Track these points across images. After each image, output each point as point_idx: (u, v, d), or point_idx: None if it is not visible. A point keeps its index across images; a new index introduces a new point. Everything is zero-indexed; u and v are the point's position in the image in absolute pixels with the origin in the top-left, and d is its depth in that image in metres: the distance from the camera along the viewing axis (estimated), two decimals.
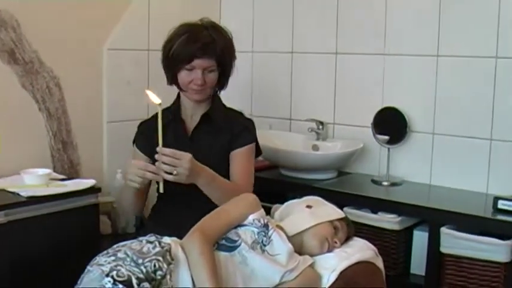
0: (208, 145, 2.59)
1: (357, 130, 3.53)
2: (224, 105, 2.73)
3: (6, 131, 2.90)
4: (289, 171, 3.44)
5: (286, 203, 2.52)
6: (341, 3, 3.55)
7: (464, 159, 3.18)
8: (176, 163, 2.30)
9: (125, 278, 1.87)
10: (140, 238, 2.10)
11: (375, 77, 3.44)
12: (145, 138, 2.65)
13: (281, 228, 2.28)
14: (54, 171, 3.07)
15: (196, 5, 3.67)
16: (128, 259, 1.94)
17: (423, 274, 2.97)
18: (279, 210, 2.50)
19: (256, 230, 2.19)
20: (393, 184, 3.29)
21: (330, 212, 2.44)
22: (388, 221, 3.00)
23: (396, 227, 3.00)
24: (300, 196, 2.59)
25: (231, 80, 2.68)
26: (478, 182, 3.14)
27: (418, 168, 3.34)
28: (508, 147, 3.04)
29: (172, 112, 2.65)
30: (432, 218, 2.91)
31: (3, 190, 2.68)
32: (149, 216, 2.72)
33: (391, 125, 3.34)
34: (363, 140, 3.45)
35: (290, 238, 2.26)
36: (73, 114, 3.19)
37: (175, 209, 2.50)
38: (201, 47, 2.49)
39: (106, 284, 1.86)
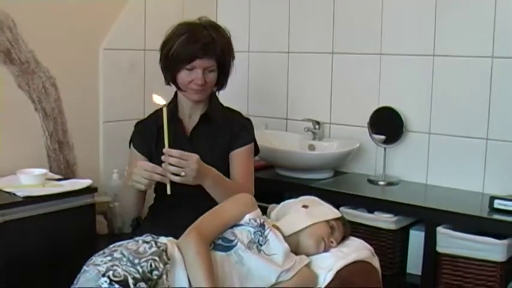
0: (208, 145, 2.58)
1: (353, 130, 3.53)
2: (221, 104, 2.72)
3: (3, 131, 2.90)
4: (286, 171, 3.44)
5: (282, 203, 2.52)
6: (337, 3, 3.55)
7: (461, 159, 3.18)
8: (183, 164, 2.29)
9: (121, 278, 1.87)
10: (136, 238, 2.10)
11: (371, 76, 3.45)
12: (142, 138, 2.65)
13: (277, 228, 2.28)
14: (51, 171, 3.07)
15: (192, 5, 3.67)
16: (124, 259, 1.94)
17: (419, 274, 2.97)
18: (275, 210, 2.50)
19: (252, 230, 2.19)
20: (389, 184, 3.30)
21: (326, 211, 2.44)
22: (385, 220, 3.01)
23: (392, 227, 3.00)
24: (297, 196, 2.59)
25: (228, 80, 2.68)
26: (474, 181, 3.15)
27: (414, 167, 3.35)
28: (504, 146, 3.05)
29: (170, 112, 2.63)
30: (428, 218, 2.91)
31: None
32: (146, 216, 2.71)
33: (388, 124, 3.35)
34: (359, 139, 3.46)
35: (286, 238, 2.26)
36: (69, 114, 3.18)
37: (173, 209, 2.49)
38: (201, 47, 2.48)
39: (102, 284, 1.86)
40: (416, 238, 3.03)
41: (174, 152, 2.30)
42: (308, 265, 2.27)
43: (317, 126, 3.59)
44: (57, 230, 2.69)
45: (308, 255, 2.31)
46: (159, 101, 2.34)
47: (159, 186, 2.40)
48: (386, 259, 2.98)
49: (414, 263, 3.02)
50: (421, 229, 3.00)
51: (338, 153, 3.42)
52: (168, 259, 2.01)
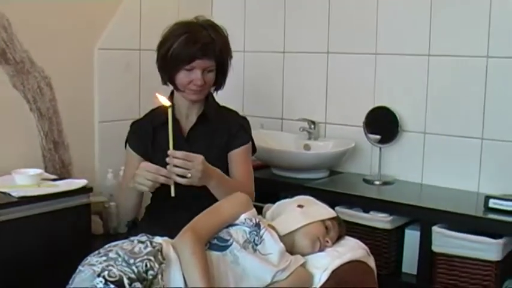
0: (205, 145, 2.56)
1: (349, 129, 3.53)
2: (218, 104, 2.71)
3: None
4: (281, 171, 3.44)
5: (277, 203, 2.52)
6: (332, 3, 3.55)
7: (456, 159, 3.19)
8: (188, 165, 2.29)
9: (117, 278, 1.87)
10: (132, 238, 2.10)
11: (366, 76, 3.45)
12: (137, 138, 2.64)
13: (273, 228, 2.28)
14: (46, 171, 3.06)
15: (187, 5, 3.67)
16: (120, 259, 1.94)
17: (415, 273, 2.98)
18: (271, 209, 2.49)
19: (247, 230, 2.19)
20: (385, 183, 3.30)
21: (322, 211, 2.44)
22: (380, 220, 3.01)
23: (388, 226, 3.01)
24: (292, 195, 2.59)
25: (226, 80, 2.68)
26: (469, 181, 3.15)
27: (409, 167, 3.35)
28: (499, 146, 3.06)
29: (166, 112, 2.61)
30: (424, 217, 2.92)
31: None
32: (143, 216, 2.70)
33: (383, 124, 3.35)
34: (354, 139, 3.46)
35: (282, 237, 2.26)
36: (64, 114, 3.18)
37: (171, 210, 2.48)
38: (201, 48, 2.47)
39: (97, 284, 1.86)
40: (411, 237, 3.03)
41: (179, 153, 2.29)
42: (303, 265, 2.27)
43: (312, 126, 3.60)
44: (52, 230, 2.68)
45: (303, 254, 2.30)
46: (164, 101, 2.32)
47: (160, 188, 2.37)
48: (381, 259, 2.98)
49: (410, 263, 3.03)
50: (416, 228, 3.01)
51: (333, 152, 3.43)
52: (163, 259, 2.01)
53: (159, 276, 1.96)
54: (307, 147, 3.56)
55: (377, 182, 3.31)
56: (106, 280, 1.86)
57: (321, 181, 3.36)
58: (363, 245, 2.51)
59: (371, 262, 2.48)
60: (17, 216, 2.55)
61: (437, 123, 3.24)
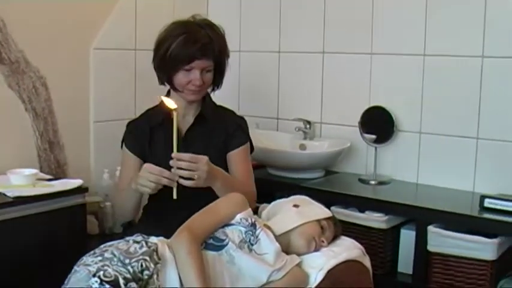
0: (202, 146, 2.55)
1: (344, 129, 3.53)
2: (215, 104, 2.71)
3: None
4: (277, 171, 3.44)
5: (273, 203, 2.51)
6: (328, 3, 3.56)
7: (451, 158, 3.19)
8: (194, 167, 2.29)
9: (112, 278, 1.87)
10: (127, 238, 2.09)
11: (362, 76, 3.45)
12: (134, 138, 2.62)
13: (268, 228, 2.28)
14: (41, 171, 3.06)
15: (183, 5, 3.67)
16: (115, 259, 1.94)
17: (410, 273, 2.98)
18: (266, 209, 2.49)
19: (243, 229, 2.19)
20: (380, 183, 3.30)
21: (317, 211, 2.44)
22: (376, 220, 3.01)
23: (383, 226, 3.01)
24: (288, 195, 2.59)
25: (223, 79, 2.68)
26: (464, 180, 3.16)
27: (405, 167, 3.35)
28: (494, 146, 3.06)
29: (163, 113, 2.60)
30: (419, 217, 2.92)
31: None
32: (141, 217, 2.68)
33: (378, 124, 3.35)
34: (350, 139, 3.46)
35: (277, 237, 2.26)
36: (60, 114, 3.18)
37: (170, 211, 2.45)
38: (200, 48, 2.46)
39: (93, 284, 1.85)
40: (407, 237, 3.04)
41: (185, 155, 2.29)
42: (299, 264, 2.27)
43: (308, 126, 3.59)
44: (47, 230, 2.68)
45: (299, 254, 2.30)
46: (170, 104, 2.31)
47: (160, 189, 2.35)
48: (377, 258, 2.98)
49: (405, 262, 3.03)
50: (412, 228, 3.01)
51: (329, 152, 3.43)
52: (159, 259, 2.01)
53: (155, 276, 1.96)
54: (302, 147, 3.56)
55: (372, 182, 3.31)
56: (101, 280, 1.86)
57: (316, 181, 3.36)
58: (359, 245, 2.51)
59: (366, 262, 2.48)
60: (12, 216, 2.55)
61: (432, 123, 3.24)
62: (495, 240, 2.71)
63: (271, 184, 3.36)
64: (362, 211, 3.07)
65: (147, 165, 2.34)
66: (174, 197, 2.29)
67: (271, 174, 3.46)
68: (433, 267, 2.86)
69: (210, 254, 2.11)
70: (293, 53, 3.74)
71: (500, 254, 2.75)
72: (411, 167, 3.33)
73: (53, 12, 3.09)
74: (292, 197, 2.54)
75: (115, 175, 3.25)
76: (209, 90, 2.66)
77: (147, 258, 1.96)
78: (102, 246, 2.06)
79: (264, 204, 2.56)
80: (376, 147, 3.36)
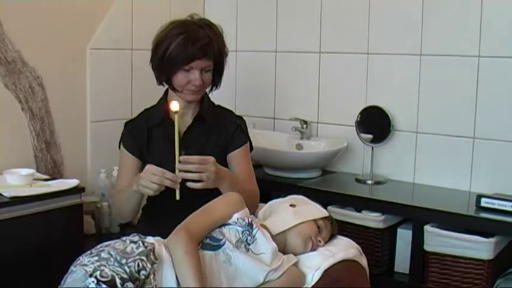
0: (201, 146, 2.53)
1: (341, 129, 3.54)
2: (213, 103, 2.69)
3: None
4: (274, 170, 3.44)
5: (270, 202, 2.51)
6: (324, 3, 3.56)
7: (448, 158, 3.19)
8: (202, 169, 2.28)
9: (109, 278, 1.86)
10: (124, 238, 2.09)
11: (358, 76, 3.46)
12: (132, 138, 2.59)
13: (265, 227, 2.28)
14: (38, 171, 3.06)
15: (179, 4, 3.67)
16: (112, 259, 1.93)
17: (407, 272, 2.98)
18: (263, 209, 2.49)
19: (240, 229, 2.19)
20: (377, 183, 3.31)
21: (314, 210, 2.44)
22: (372, 219, 3.01)
23: (380, 226, 3.01)
24: (284, 195, 2.59)
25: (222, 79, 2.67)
26: (461, 180, 3.16)
27: (401, 166, 3.36)
28: (490, 145, 3.06)
29: (161, 113, 2.61)
30: (416, 216, 2.92)
31: None
32: (140, 218, 2.66)
33: (375, 123, 3.36)
34: (346, 139, 3.46)
35: (274, 237, 2.25)
36: (56, 114, 3.17)
37: (168, 211, 2.42)
38: (200, 48, 2.44)
39: (89, 284, 1.85)
40: (403, 237, 3.04)
41: (193, 158, 2.29)
42: (296, 264, 2.27)
43: (305, 126, 3.60)
44: (44, 230, 2.68)
45: (296, 254, 2.30)
46: (173, 106, 2.30)
47: (163, 191, 2.33)
48: (374, 258, 2.98)
49: (402, 262, 3.03)
50: (408, 228, 3.01)
51: (326, 152, 3.43)
52: (156, 259, 2.00)
53: (152, 276, 1.95)
54: (299, 146, 3.56)
55: (369, 182, 3.32)
56: (98, 280, 1.85)
57: (313, 181, 3.36)
58: (355, 245, 2.51)
59: (363, 261, 2.48)
60: (8, 216, 2.55)
61: (429, 123, 3.25)
62: (492, 240, 2.71)
63: (267, 184, 3.35)
64: (359, 211, 3.07)
65: (149, 167, 2.31)
66: (177, 198, 2.27)
67: (267, 174, 3.46)
68: (430, 266, 2.86)
69: (207, 253, 2.11)
70: (290, 53, 3.74)
71: (497, 254, 2.75)
72: (408, 166, 3.33)
73: (50, 12, 3.09)
74: (288, 197, 2.54)
75: (112, 175, 3.25)
76: (208, 90, 2.65)
77: (144, 258, 1.96)
78: (98, 246, 2.05)
79: (261, 204, 2.56)
80: (372, 147, 3.36)
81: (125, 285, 1.87)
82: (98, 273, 1.87)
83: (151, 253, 2.00)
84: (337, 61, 3.54)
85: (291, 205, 2.42)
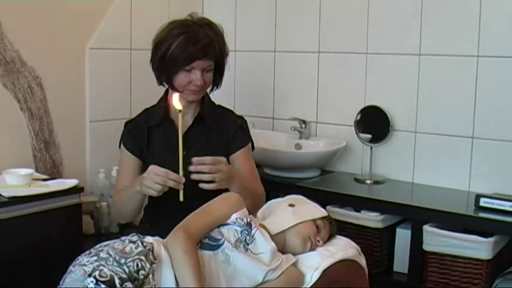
0: (201, 146, 2.53)
1: (340, 129, 3.54)
2: (214, 103, 2.69)
3: None
4: (272, 170, 3.44)
5: (268, 202, 2.51)
6: (323, 3, 3.56)
7: (447, 158, 3.20)
8: (215, 169, 2.28)
9: (108, 278, 1.86)
10: (123, 238, 2.08)
11: (357, 76, 3.46)
12: (132, 138, 2.58)
13: (264, 227, 2.28)
14: (37, 171, 3.06)
15: (178, 4, 3.67)
16: (111, 259, 1.93)
17: (406, 272, 2.98)
18: (262, 209, 2.49)
19: (239, 229, 2.18)
20: (376, 182, 3.31)
21: (313, 210, 2.44)
22: (371, 219, 3.01)
23: (379, 225, 3.01)
24: (283, 195, 2.59)
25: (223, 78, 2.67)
26: (460, 180, 3.16)
27: (400, 166, 3.36)
28: (489, 145, 3.06)
29: (161, 113, 2.60)
30: (415, 216, 2.92)
31: None
32: (142, 218, 2.66)
33: (374, 123, 3.36)
34: (345, 138, 3.46)
35: (273, 237, 2.25)
36: (55, 114, 3.17)
37: (171, 211, 2.39)
38: (201, 48, 2.44)
39: (88, 284, 1.85)
40: (402, 236, 3.04)
41: (207, 159, 2.28)
42: (295, 264, 2.26)
43: (303, 125, 3.60)
44: (43, 230, 2.68)
45: (294, 254, 2.30)
46: (177, 104, 2.29)
47: (168, 193, 2.32)
48: (373, 257, 2.99)
49: (401, 262, 3.03)
50: (407, 227, 3.01)
51: (324, 152, 3.43)
52: (155, 258, 2.00)
53: (151, 276, 1.95)
54: (298, 146, 3.56)
55: (368, 181, 3.32)
56: (97, 280, 1.85)
57: (312, 180, 3.36)
58: (354, 244, 2.50)
59: (362, 261, 2.48)
60: (7, 216, 2.55)
61: (428, 123, 3.25)
62: (490, 240, 2.71)
63: (266, 183, 3.32)
64: (358, 210, 3.07)
65: (153, 167, 2.30)
66: (181, 199, 2.26)
67: (266, 173, 3.46)
68: (429, 266, 2.86)
69: (206, 253, 2.11)
70: (289, 53, 3.74)
71: (496, 253, 2.75)
72: (407, 166, 3.33)
73: (49, 12, 3.09)
74: (287, 197, 2.54)
75: (111, 175, 3.25)
76: (208, 90, 2.64)
77: (143, 258, 1.96)
78: (97, 246, 2.05)
79: None
80: (371, 147, 3.36)
81: (123, 285, 1.87)
82: (96, 273, 1.87)
83: (150, 253, 2.00)
84: (336, 61, 3.54)
85: (290, 205, 2.41)
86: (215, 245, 2.13)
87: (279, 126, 3.79)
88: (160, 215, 2.51)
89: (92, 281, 1.85)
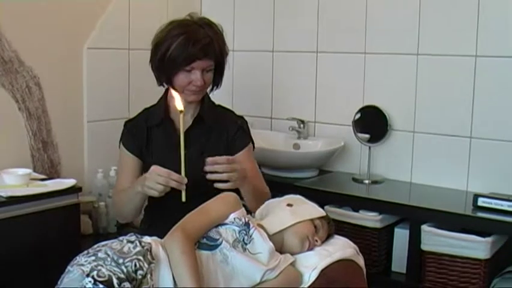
0: (201, 146, 2.53)
1: (338, 128, 3.54)
2: (214, 103, 2.68)
3: None
4: (271, 170, 3.44)
5: (266, 202, 2.50)
6: (322, 2, 3.56)
7: (445, 157, 3.20)
8: (230, 169, 2.28)
9: (106, 278, 1.86)
10: (121, 238, 2.08)
11: (355, 75, 3.46)
12: (132, 137, 2.58)
13: (262, 227, 2.27)
14: (35, 171, 3.05)
15: (177, 4, 3.66)
16: (109, 259, 1.93)
17: (404, 272, 2.99)
18: (260, 208, 2.48)
19: (237, 229, 2.18)
20: (374, 182, 3.31)
21: (311, 210, 2.44)
22: (369, 219, 3.02)
23: (377, 225, 3.01)
24: (281, 195, 2.58)
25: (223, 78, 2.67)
26: (458, 179, 3.16)
27: (398, 166, 3.36)
28: (487, 145, 3.07)
29: (161, 112, 2.59)
30: (413, 216, 2.93)
31: None
32: (143, 219, 2.66)
33: (372, 123, 3.36)
34: (343, 138, 3.46)
35: (271, 237, 2.25)
36: (53, 114, 3.17)
37: (172, 212, 2.38)
38: (201, 48, 2.43)
39: (86, 284, 1.85)
40: (401, 236, 3.04)
41: (221, 158, 2.29)
42: (293, 264, 2.26)
43: (302, 125, 3.60)
44: (41, 230, 2.68)
45: (293, 254, 2.30)
46: (178, 104, 2.28)
47: (169, 193, 2.32)
48: (371, 257, 2.99)
49: (399, 261, 3.03)
50: (405, 227, 3.01)
51: (323, 152, 3.43)
52: (153, 258, 2.00)
53: (149, 276, 1.95)
54: (296, 146, 3.56)
55: (366, 181, 3.32)
56: (95, 280, 1.85)
57: (310, 180, 3.36)
58: (352, 244, 2.50)
59: (360, 261, 2.48)
60: (5, 216, 2.55)
61: (426, 122, 3.25)
62: (488, 239, 2.72)
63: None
64: (356, 210, 3.08)
65: (155, 167, 2.29)
66: (183, 199, 2.25)
67: (265, 173, 3.43)
68: (427, 266, 2.86)
69: (204, 253, 2.11)
70: (287, 53, 3.74)
71: (494, 253, 2.76)
72: (405, 166, 3.34)
73: (46, 12, 3.08)
74: (285, 196, 2.53)
75: (109, 175, 3.25)
76: (208, 90, 2.63)
77: (141, 257, 1.96)
78: (95, 246, 2.05)
79: None
80: (369, 147, 3.36)
81: (122, 285, 1.87)
82: (95, 273, 1.87)
83: (148, 253, 2.00)
84: (334, 61, 3.54)
85: (288, 205, 2.41)
86: (213, 245, 2.13)
87: (277, 126, 3.79)
88: (161, 215, 2.50)
89: (90, 281, 1.85)
